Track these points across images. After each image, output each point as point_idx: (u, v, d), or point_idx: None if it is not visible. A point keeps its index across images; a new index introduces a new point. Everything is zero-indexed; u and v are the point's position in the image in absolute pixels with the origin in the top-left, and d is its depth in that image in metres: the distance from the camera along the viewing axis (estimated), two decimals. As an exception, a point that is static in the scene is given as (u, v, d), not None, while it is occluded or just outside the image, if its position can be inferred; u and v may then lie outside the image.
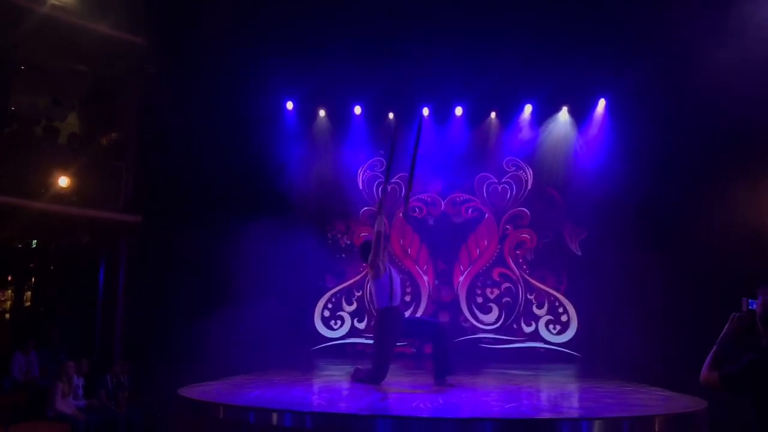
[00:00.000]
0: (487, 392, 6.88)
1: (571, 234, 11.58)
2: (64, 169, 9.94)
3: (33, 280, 11.93)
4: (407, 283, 11.51)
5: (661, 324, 9.66)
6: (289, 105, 11.67)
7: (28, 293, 11.86)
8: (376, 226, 6.90)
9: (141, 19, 10.35)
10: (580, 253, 11.48)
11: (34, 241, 11.60)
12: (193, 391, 6.17)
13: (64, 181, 9.88)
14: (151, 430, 8.52)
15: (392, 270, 6.98)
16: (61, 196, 9.88)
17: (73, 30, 9.83)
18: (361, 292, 11.74)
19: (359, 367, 7.46)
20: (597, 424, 5.02)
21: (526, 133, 11.62)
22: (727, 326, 3.31)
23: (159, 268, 10.01)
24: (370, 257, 6.84)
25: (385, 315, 6.87)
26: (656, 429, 5.18)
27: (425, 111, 11.57)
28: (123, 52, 10.40)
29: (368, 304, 11.59)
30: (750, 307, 3.26)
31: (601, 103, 11.36)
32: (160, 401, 8.50)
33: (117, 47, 10.29)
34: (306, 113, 11.82)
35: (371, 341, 7.54)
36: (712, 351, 3.25)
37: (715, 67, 8.47)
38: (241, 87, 10.36)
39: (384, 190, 7.48)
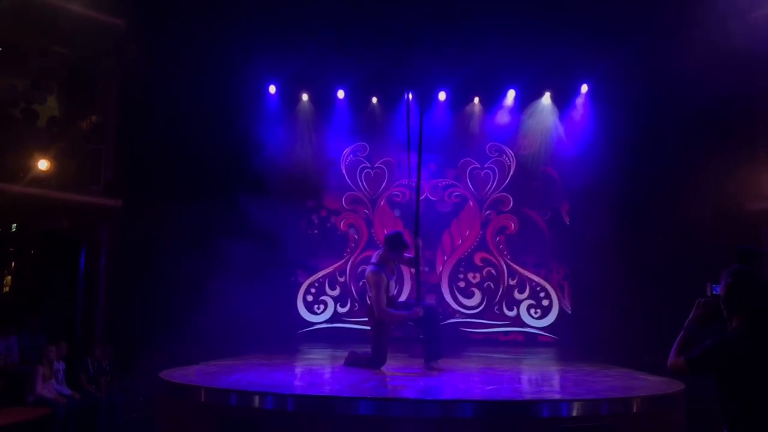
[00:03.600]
0: (468, 375, 6.94)
1: (552, 219, 11.64)
2: (44, 152, 9.82)
3: (12, 264, 11.80)
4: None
5: (642, 308, 9.78)
6: (272, 88, 11.59)
7: (8, 278, 11.74)
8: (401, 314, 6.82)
9: (120, 1, 10.21)
10: (561, 238, 11.55)
11: (14, 225, 11.47)
12: (174, 375, 6.15)
13: (43, 165, 9.76)
14: (132, 414, 8.51)
15: (389, 279, 6.96)
16: (41, 180, 9.76)
17: (52, 11, 9.67)
18: (344, 278, 11.75)
19: (354, 350, 7.45)
20: (576, 405, 5.08)
21: (505, 116, 11.62)
22: (692, 312, 3.35)
23: (140, 252, 9.95)
24: (381, 262, 6.75)
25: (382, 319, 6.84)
26: (634, 410, 5.26)
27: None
28: (102, 34, 10.26)
29: (350, 289, 11.63)
30: (714, 292, 3.30)
31: (584, 88, 11.39)
32: (141, 385, 8.50)
33: (96, 29, 10.14)
34: (289, 97, 11.74)
35: (367, 327, 7.52)
36: (678, 337, 3.29)
37: (692, 53, 8.55)
38: (223, 70, 10.28)
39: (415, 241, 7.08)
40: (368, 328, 7.31)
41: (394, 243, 6.81)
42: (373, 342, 7.00)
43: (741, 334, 3.09)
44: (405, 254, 6.98)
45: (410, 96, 11.37)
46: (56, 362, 8.32)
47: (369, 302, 7.02)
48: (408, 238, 7.00)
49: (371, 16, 9.99)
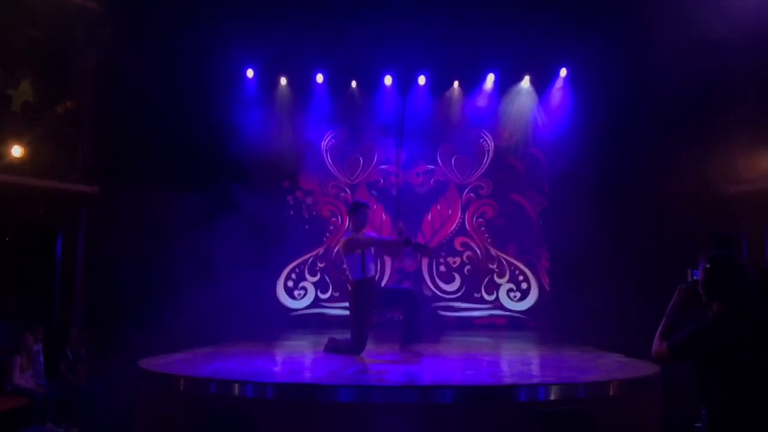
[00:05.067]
0: (448, 360, 6.99)
1: (531, 203, 11.70)
2: (18, 138, 9.67)
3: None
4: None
5: (620, 291, 9.89)
6: (250, 73, 11.48)
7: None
8: (383, 238, 6.89)
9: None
10: (540, 222, 11.62)
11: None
12: (153, 363, 6.13)
13: (17, 151, 9.62)
14: (112, 403, 8.46)
15: None
16: (15, 167, 9.63)
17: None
18: (324, 263, 11.74)
19: (334, 337, 7.47)
20: (554, 389, 5.13)
21: (484, 100, 11.62)
22: (674, 297, 3.38)
23: (118, 239, 9.85)
24: (353, 231, 6.83)
25: (359, 286, 6.90)
26: (611, 393, 5.32)
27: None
28: (77, 18, 10.10)
29: (331, 276, 11.63)
30: (693, 278, 3.33)
31: (563, 72, 11.41)
32: (121, 373, 8.44)
33: (70, 12, 9.98)
34: (267, 81, 11.63)
35: (348, 312, 7.54)
36: (661, 323, 3.32)
37: (670, 37, 8.60)
38: (201, 54, 10.15)
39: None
40: (348, 312, 7.33)
41: (353, 209, 7.06)
42: (353, 327, 7.01)
43: (721, 318, 3.12)
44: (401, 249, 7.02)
45: (390, 79, 11.45)
46: (35, 346, 8.25)
47: (347, 275, 7.06)
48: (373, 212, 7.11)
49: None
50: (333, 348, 7.21)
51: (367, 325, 6.98)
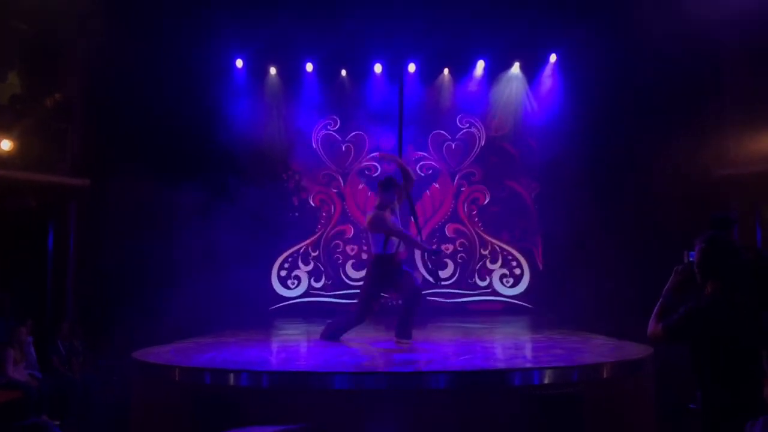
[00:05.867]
0: (441, 345, 7.01)
1: (523, 189, 11.72)
2: (7, 131, 9.60)
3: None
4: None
5: (613, 274, 9.93)
6: (239, 62, 11.42)
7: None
8: (412, 238, 6.91)
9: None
10: (532, 208, 11.65)
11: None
12: (147, 354, 6.13)
13: (6, 144, 9.55)
14: (106, 395, 8.46)
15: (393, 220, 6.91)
16: (5, 160, 9.57)
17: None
18: (317, 252, 11.73)
19: (330, 321, 7.51)
20: (548, 373, 5.17)
21: (475, 87, 11.63)
22: (670, 279, 3.40)
23: (110, 231, 9.82)
24: (379, 207, 6.78)
25: (377, 261, 6.91)
26: (604, 376, 5.36)
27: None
28: (64, 9, 9.98)
29: (324, 264, 11.65)
30: (690, 259, 3.35)
31: (552, 58, 11.41)
32: (115, 365, 8.44)
33: (58, 3, 9.88)
34: (256, 71, 11.57)
35: (342, 300, 7.59)
36: (657, 305, 3.34)
37: (660, 23, 8.60)
38: (190, 44, 10.08)
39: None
40: (343, 301, 7.36)
41: (386, 185, 6.90)
42: (361, 297, 7.09)
43: (715, 299, 3.14)
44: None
45: (380, 67, 11.42)
46: (27, 338, 8.23)
47: (369, 248, 7.06)
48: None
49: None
50: (331, 332, 7.21)
51: (374, 299, 7.07)
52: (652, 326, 3.28)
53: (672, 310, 3.25)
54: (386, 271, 6.90)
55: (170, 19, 9.64)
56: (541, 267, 11.57)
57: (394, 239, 6.83)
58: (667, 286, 3.38)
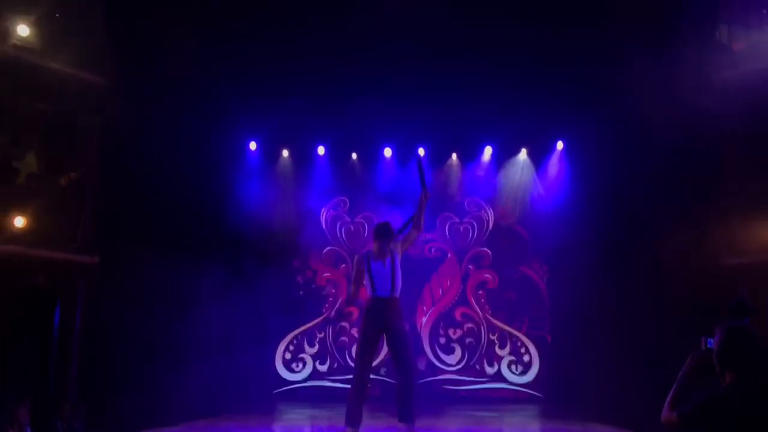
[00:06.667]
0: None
1: (533, 273, 11.68)
2: (22, 209, 9.71)
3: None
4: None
5: (624, 362, 9.75)
6: (252, 145, 11.66)
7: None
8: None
9: (102, 59, 10.26)
10: (541, 293, 11.58)
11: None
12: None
13: (20, 222, 9.64)
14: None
15: (372, 263, 6.91)
16: (17, 237, 9.63)
17: (33, 69, 9.70)
18: (323, 334, 11.62)
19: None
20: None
21: (483, 172, 11.79)
22: (685, 365, 3.34)
23: (116, 309, 9.76)
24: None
25: (366, 304, 6.80)
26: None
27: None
28: (83, 91, 10.26)
29: (330, 347, 11.52)
30: (708, 346, 3.30)
31: (559, 146, 11.60)
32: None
33: (77, 86, 10.16)
34: (269, 153, 11.80)
35: (347, 386, 7.24)
36: (672, 390, 3.27)
37: (663, 111, 8.77)
38: (204, 127, 10.31)
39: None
40: (348, 386, 7.12)
41: (382, 231, 6.95)
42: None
43: (733, 389, 3.08)
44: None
45: (390, 152, 11.61)
46: (26, 419, 8.06)
47: None
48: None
49: (349, 73, 10.12)
50: (347, 418, 6.66)
51: (364, 352, 6.64)
52: (666, 413, 3.21)
53: (686, 396, 3.19)
54: (374, 313, 6.67)
55: (186, 102, 9.90)
56: (551, 354, 11.37)
57: (380, 279, 6.79)
58: (682, 372, 3.32)
